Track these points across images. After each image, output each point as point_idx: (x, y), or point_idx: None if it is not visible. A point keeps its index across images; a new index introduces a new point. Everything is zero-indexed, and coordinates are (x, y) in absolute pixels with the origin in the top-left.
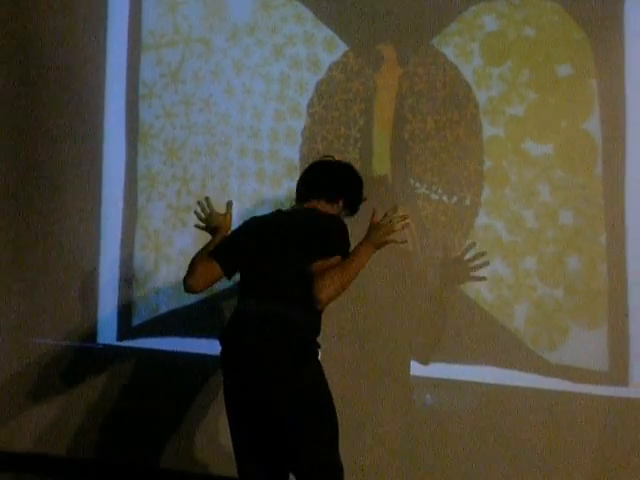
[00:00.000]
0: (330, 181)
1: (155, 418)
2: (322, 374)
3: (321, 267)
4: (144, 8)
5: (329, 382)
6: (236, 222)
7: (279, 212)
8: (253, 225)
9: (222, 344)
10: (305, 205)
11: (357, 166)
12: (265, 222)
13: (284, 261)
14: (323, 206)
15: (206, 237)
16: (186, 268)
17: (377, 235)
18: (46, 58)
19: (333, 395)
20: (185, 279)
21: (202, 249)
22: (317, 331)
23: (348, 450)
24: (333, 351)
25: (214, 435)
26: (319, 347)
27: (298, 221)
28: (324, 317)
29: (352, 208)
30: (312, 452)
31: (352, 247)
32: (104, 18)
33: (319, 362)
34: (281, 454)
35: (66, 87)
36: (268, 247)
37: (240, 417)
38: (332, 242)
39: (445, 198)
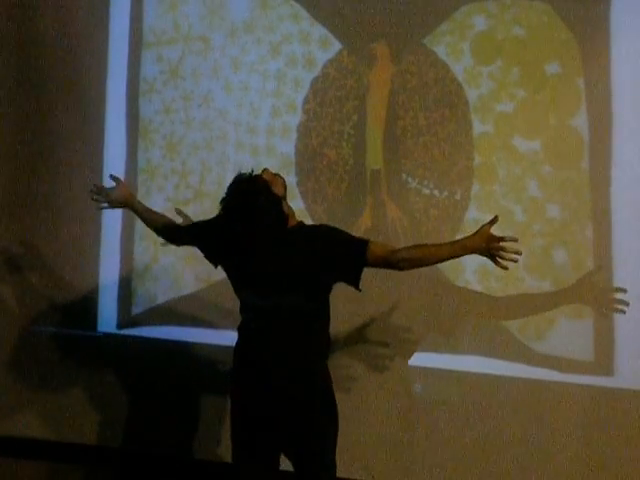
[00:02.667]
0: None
1: (154, 405)
2: (329, 376)
3: (376, 254)
4: (145, 7)
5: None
6: None
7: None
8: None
9: (237, 364)
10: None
11: (350, 162)
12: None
13: (290, 280)
14: (289, 212)
15: None
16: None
17: (486, 247)
18: (48, 55)
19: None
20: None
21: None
22: (326, 333)
23: (342, 438)
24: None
25: (213, 422)
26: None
27: (295, 246)
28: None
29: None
30: (318, 452)
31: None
32: (106, 16)
33: (327, 366)
34: (279, 451)
35: (68, 83)
36: (269, 272)
37: (250, 431)
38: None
39: (436, 192)
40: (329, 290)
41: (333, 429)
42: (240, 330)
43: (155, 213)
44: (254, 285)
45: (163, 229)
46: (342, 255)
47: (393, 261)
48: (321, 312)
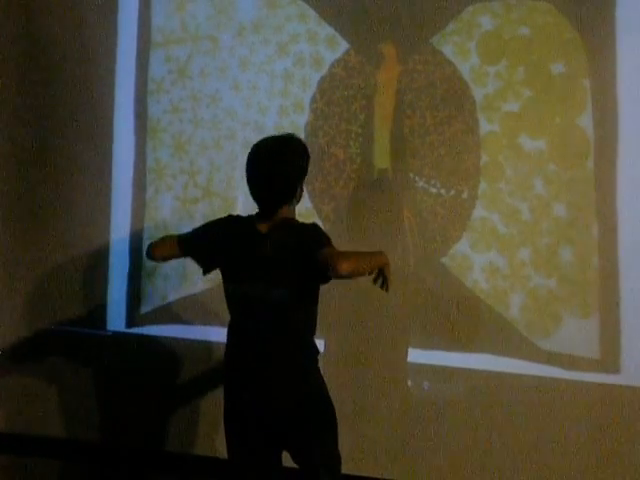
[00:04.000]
0: (283, 181)
1: (162, 403)
2: (321, 376)
3: (329, 250)
4: (153, 7)
5: (331, 370)
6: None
7: (256, 233)
8: (232, 244)
9: (227, 368)
10: (273, 217)
11: (358, 161)
12: (245, 244)
13: (274, 279)
14: (287, 212)
15: None
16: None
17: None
18: (57, 55)
19: (333, 383)
20: (150, 246)
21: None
22: (313, 330)
23: (347, 435)
24: (332, 339)
25: (219, 420)
26: (318, 352)
27: (279, 244)
28: (324, 306)
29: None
30: (318, 452)
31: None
32: (114, 16)
33: (317, 365)
34: (276, 448)
35: (77, 83)
36: (254, 271)
37: (242, 431)
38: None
39: (443, 191)
40: (314, 287)
41: (329, 423)
42: (231, 328)
43: None
44: (246, 276)
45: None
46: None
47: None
48: (308, 308)
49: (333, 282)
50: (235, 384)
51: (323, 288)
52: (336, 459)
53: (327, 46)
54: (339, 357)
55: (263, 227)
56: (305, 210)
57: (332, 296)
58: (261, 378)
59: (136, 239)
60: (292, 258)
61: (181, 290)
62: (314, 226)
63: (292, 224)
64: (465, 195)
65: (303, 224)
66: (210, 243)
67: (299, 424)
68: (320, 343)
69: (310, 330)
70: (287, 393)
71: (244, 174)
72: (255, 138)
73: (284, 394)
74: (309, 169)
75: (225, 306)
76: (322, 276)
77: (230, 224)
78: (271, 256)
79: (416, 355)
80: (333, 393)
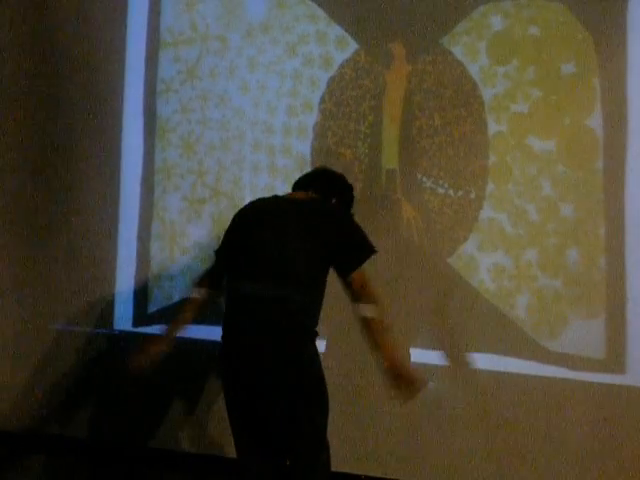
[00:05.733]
0: (328, 180)
1: (168, 402)
2: (318, 356)
3: (360, 278)
4: (163, 7)
5: (338, 370)
6: None
7: (278, 196)
8: (253, 208)
9: (224, 342)
10: (303, 193)
11: (366, 161)
12: (267, 204)
13: (289, 242)
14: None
15: (220, 230)
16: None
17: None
18: (67, 55)
19: (336, 383)
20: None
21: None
22: (317, 315)
23: (351, 435)
24: (341, 341)
25: (225, 419)
26: (317, 334)
27: (304, 207)
28: (334, 305)
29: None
30: (307, 434)
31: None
32: (124, 17)
33: (316, 346)
34: (279, 442)
35: (87, 83)
36: (270, 228)
37: (242, 410)
38: (353, 241)
39: (451, 192)
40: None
41: (321, 411)
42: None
43: (185, 310)
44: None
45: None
46: (334, 229)
47: (352, 296)
48: (320, 283)
49: (336, 284)
50: (233, 353)
51: (328, 289)
52: (326, 447)
53: (336, 46)
54: (341, 357)
55: (300, 194)
56: None
57: (336, 296)
58: (258, 347)
59: (144, 239)
60: (325, 234)
61: (187, 290)
62: (357, 225)
63: (331, 204)
64: (473, 196)
65: (332, 203)
66: (235, 223)
67: (292, 397)
68: (321, 344)
69: (316, 307)
70: (281, 366)
71: (252, 175)
72: (263, 138)
73: (278, 367)
74: None
75: None
76: (339, 273)
77: (255, 201)
78: (290, 213)
79: (421, 355)
80: (336, 393)
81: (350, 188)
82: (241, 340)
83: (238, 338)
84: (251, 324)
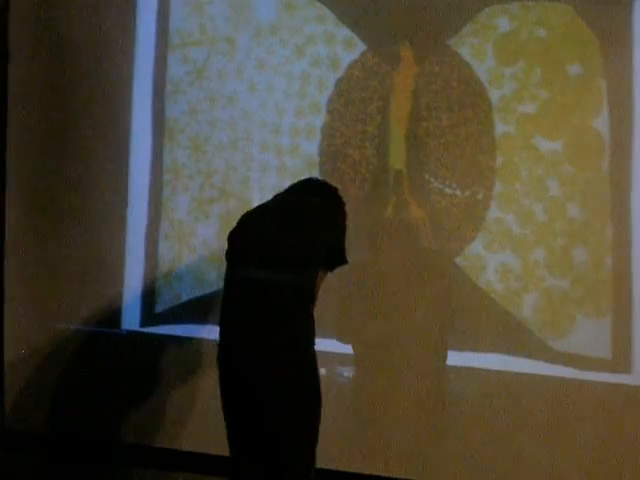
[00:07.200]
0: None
1: (175, 402)
2: (316, 366)
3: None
4: (172, 8)
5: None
6: None
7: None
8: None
9: (222, 337)
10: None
11: (374, 162)
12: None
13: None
14: None
15: (227, 228)
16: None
17: None
18: (75, 56)
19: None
20: None
21: None
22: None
23: (361, 435)
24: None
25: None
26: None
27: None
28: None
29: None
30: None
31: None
32: (133, 18)
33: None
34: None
35: (96, 84)
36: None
37: (237, 398)
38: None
39: (458, 192)
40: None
41: (309, 417)
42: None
43: None
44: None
45: None
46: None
47: None
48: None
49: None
50: (229, 341)
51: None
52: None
53: (344, 47)
54: (366, 364)
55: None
56: None
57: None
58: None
59: (152, 239)
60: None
61: (195, 290)
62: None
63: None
64: (480, 196)
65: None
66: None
67: (278, 411)
68: (327, 343)
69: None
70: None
71: (260, 175)
72: (271, 139)
73: (273, 378)
74: (325, 169)
75: None
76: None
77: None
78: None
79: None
80: (337, 392)
81: (335, 190)
82: (238, 332)
83: (234, 331)
84: (246, 315)
